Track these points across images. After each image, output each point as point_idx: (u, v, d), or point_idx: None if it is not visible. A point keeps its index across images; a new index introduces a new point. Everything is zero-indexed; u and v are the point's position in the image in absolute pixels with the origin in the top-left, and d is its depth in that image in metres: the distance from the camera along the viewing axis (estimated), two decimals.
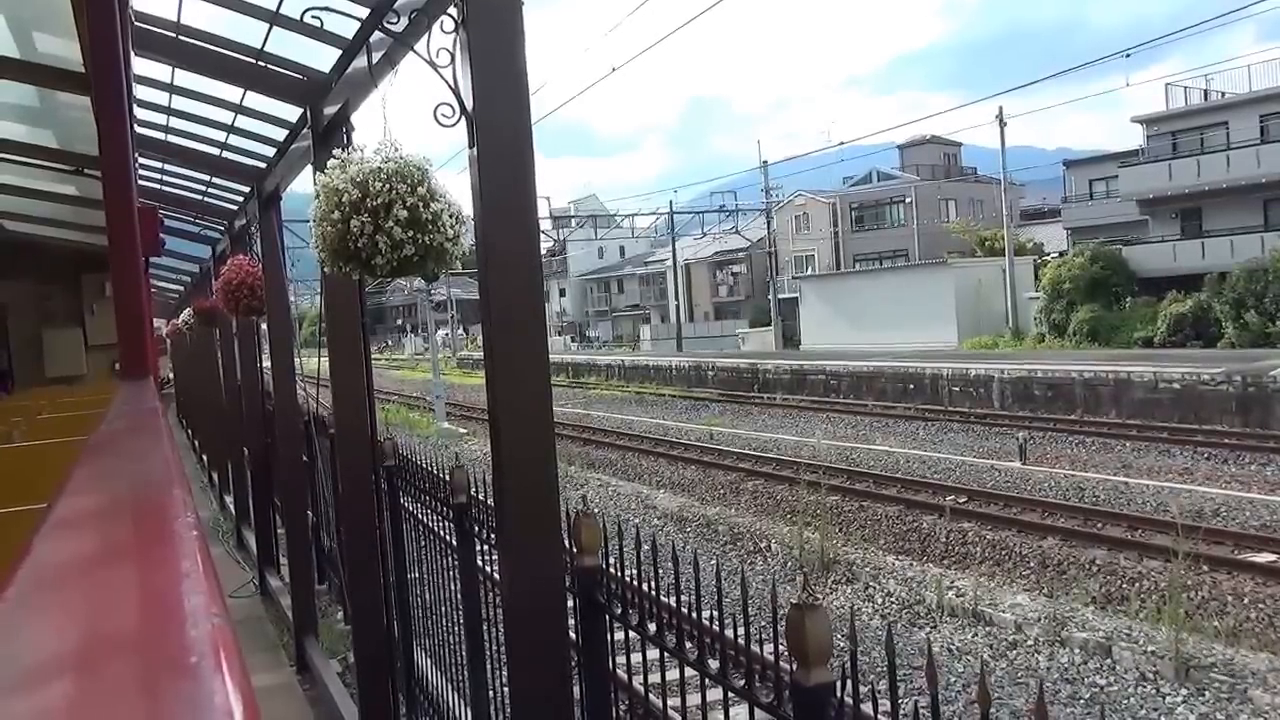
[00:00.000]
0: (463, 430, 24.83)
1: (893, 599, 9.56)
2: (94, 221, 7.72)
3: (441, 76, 2.79)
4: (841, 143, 36.38)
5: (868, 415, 22.71)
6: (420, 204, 2.88)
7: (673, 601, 2.55)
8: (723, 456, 17.49)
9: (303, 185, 6.48)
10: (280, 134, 5.98)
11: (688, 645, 2.43)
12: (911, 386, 24.34)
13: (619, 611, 2.68)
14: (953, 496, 12.78)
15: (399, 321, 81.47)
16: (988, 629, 8.62)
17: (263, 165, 6.71)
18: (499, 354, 2.75)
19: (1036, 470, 14.49)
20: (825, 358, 30.06)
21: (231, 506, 11.08)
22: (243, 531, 10.28)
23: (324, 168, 3.05)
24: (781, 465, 16.02)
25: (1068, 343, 30.75)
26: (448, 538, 4.37)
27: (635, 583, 2.60)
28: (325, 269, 3.25)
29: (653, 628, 2.55)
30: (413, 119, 3.34)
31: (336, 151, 3.14)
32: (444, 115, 2.76)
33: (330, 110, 4.54)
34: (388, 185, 2.86)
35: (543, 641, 2.79)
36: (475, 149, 2.73)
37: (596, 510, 13.22)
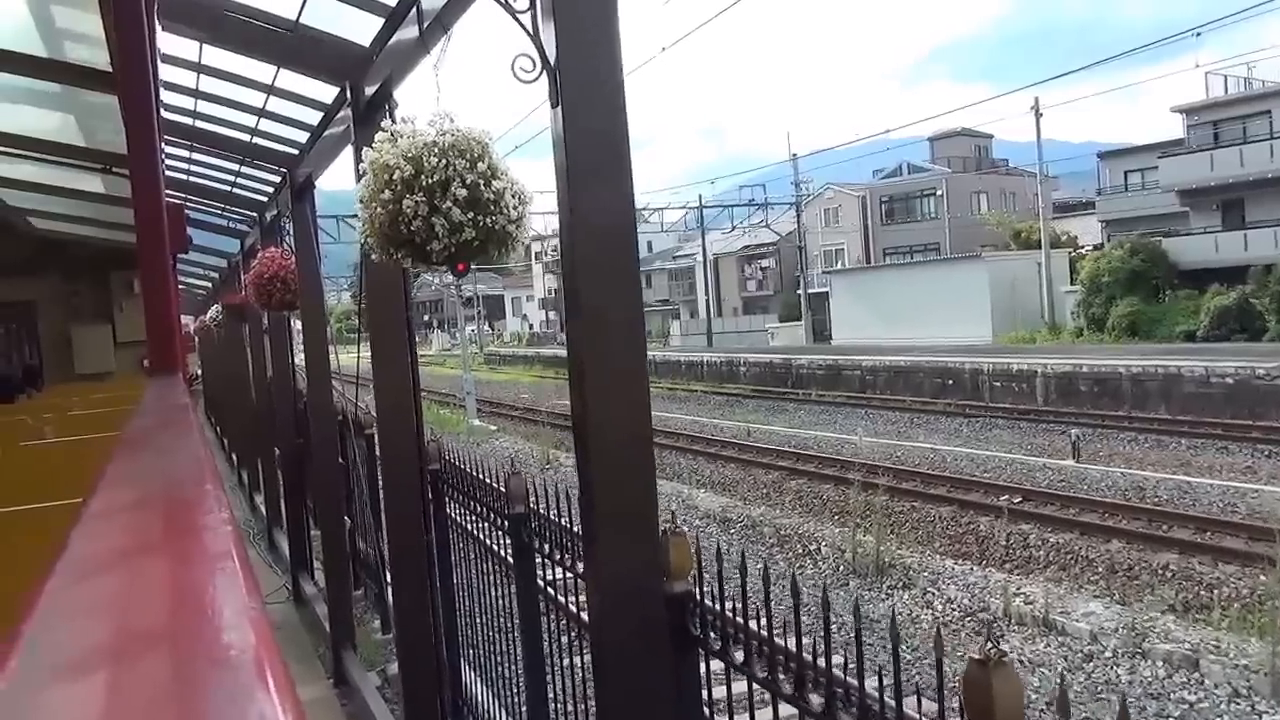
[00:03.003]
0: (493, 427, 24.55)
1: (954, 606, 9.08)
2: (121, 218, 7.63)
3: (519, 23, 2.42)
4: (888, 130, 35.65)
5: (906, 411, 22.19)
6: (481, 181, 2.53)
7: (765, 626, 2.15)
8: (762, 454, 17.04)
9: (329, 181, 6.18)
10: (315, 117, 5.67)
11: (812, 696, 2.03)
12: (950, 382, 23.74)
13: (718, 646, 2.31)
14: (1007, 496, 12.27)
15: (425, 317, 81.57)
16: (1060, 639, 8.12)
17: (295, 152, 6.44)
18: (589, 353, 2.37)
19: (1091, 469, 13.94)
20: (858, 353, 29.50)
21: (262, 507, 10.79)
22: (274, 534, 9.99)
23: (370, 144, 2.67)
24: (824, 464, 15.56)
25: (1107, 337, 29.99)
26: (500, 550, 4.02)
27: (743, 617, 2.19)
28: (373, 256, 2.89)
29: (762, 669, 2.16)
30: (454, 99, 2.96)
31: (385, 124, 2.79)
32: (522, 69, 2.38)
33: (371, 88, 4.19)
34: (444, 160, 2.51)
35: (639, 684, 2.40)
36: (560, 108, 2.34)
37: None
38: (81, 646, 0.60)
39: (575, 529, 3.09)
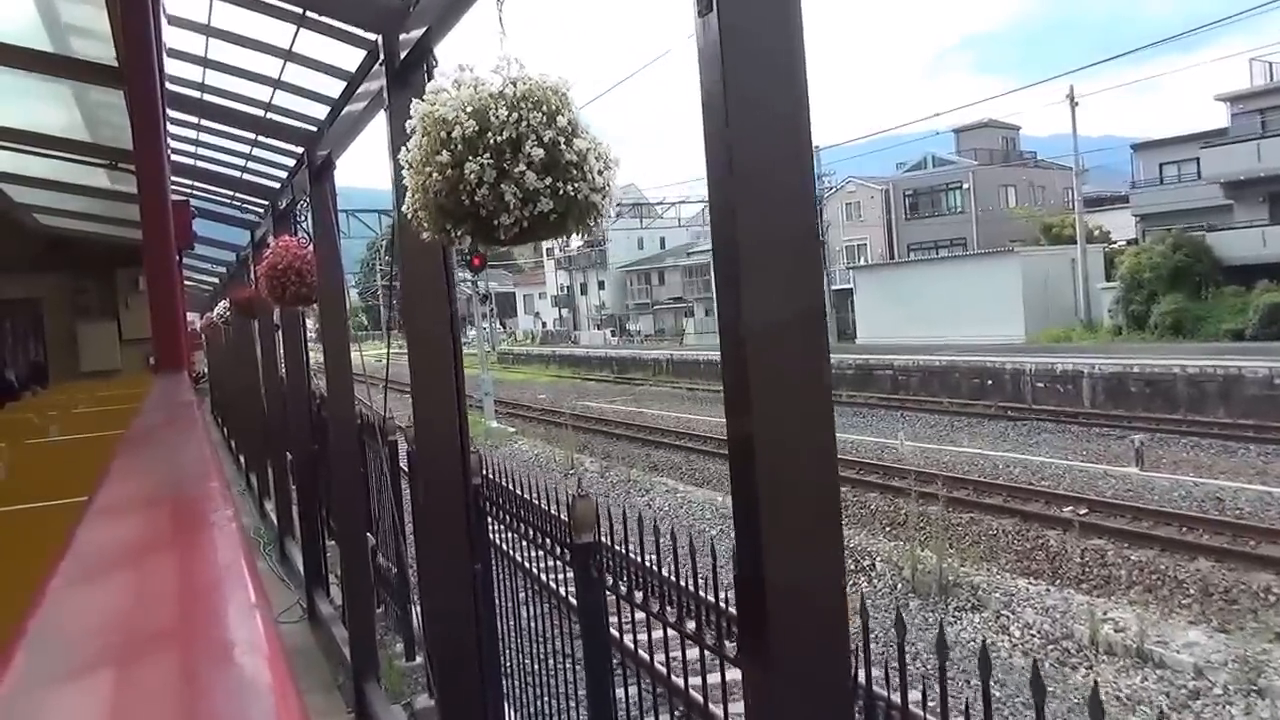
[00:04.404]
0: (512, 429, 23.84)
1: (1033, 631, 8.28)
2: (126, 214, 7.61)
3: None
4: (930, 118, 34.70)
5: (945, 414, 21.33)
6: (561, 140, 2.01)
7: None
8: None
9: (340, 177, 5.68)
10: (336, 88, 5.08)
11: None
12: (990, 382, 22.81)
13: None
14: (1072, 507, 11.41)
15: None
16: (1159, 672, 7.32)
17: (314, 129, 5.83)
18: (754, 359, 1.72)
19: (1159, 477, 13.05)
20: (886, 351, 28.58)
21: (273, 515, 10.12)
22: (286, 544, 9.30)
23: (416, 98, 2.15)
24: (865, 469, 14.75)
25: (1149, 335, 28.94)
26: (554, 582, 3.73)
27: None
28: (423, 235, 2.22)
29: None
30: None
31: (438, 72, 2.17)
32: None
33: (406, 46, 3.48)
34: (515, 114, 1.99)
35: None
36: (714, 14, 1.66)
37: (670, 520, 12.03)
38: (85, 646, 0.60)
39: (662, 569, 2.77)
